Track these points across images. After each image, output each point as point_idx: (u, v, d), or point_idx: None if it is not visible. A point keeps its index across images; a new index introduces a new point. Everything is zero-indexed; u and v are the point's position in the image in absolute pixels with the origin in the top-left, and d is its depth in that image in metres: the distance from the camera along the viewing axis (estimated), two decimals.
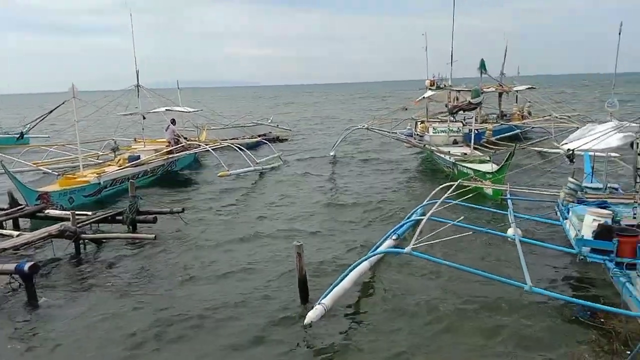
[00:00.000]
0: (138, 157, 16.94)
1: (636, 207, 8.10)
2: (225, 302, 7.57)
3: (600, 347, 5.96)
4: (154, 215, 11.06)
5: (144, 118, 18.98)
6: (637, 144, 8.17)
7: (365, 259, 7.72)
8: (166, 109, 20.17)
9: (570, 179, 8.81)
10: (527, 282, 5.86)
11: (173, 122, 19.56)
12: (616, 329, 6.22)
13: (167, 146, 18.51)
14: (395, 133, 21.34)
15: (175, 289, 8.20)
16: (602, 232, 6.95)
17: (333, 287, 6.97)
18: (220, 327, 6.92)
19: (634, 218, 7.93)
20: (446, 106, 20.23)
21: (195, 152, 19.54)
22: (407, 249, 6.89)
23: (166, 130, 19.45)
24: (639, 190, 8.33)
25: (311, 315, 6.30)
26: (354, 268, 7.39)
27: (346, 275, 7.23)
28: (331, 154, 21.47)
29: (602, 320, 6.47)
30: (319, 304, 6.55)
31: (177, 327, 6.89)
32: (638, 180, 8.33)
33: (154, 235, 9.92)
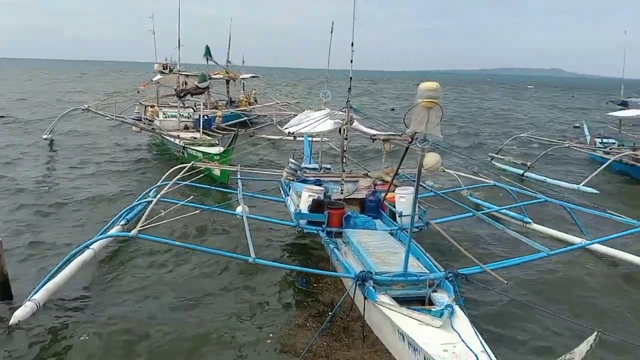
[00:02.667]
0: None
1: (342, 184, 9.36)
2: None
3: (311, 309, 6.73)
4: None
5: None
6: (344, 130, 9.41)
7: (86, 246, 7.05)
8: None
9: (291, 160, 9.65)
10: (251, 254, 6.17)
11: None
12: (323, 292, 7.14)
13: None
14: (123, 117, 20.15)
15: None
16: (316, 206, 7.83)
17: (47, 281, 6.21)
18: None
19: (341, 193, 9.17)
20: (175, 90, 19.99)
21: None
22: (134, 232, 6.59)
23: None
24: (345, 170, 9.63)
25: (18, 314, 5.53)
26: (72, 257, 6.69)
27: (63, 266, 6.51)
28: (45, 136, 19.09)
29: (314, 285, 7.34)
30: (29, 300, 5.80)
31: None
32: (344, 162, 9.61)
33: None
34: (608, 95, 26.46)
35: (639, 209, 12.65)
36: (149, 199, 8.54)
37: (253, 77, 28.77)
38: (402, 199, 8.05)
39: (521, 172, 15.25)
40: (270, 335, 6.01)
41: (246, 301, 6.89)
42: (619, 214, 7.94)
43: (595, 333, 3.27)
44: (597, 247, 7.46)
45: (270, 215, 9.97)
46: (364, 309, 5.88)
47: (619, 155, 15.33)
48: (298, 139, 12.87)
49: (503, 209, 9.76)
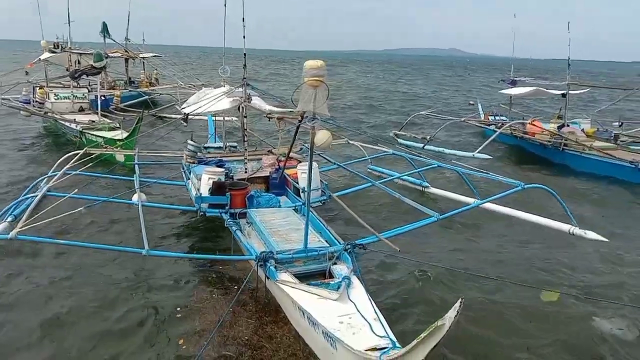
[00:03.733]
0: None
1: (246, 162, 9.26)
2: None
3: (218, 289, 6.66)
4: None
5: None
6: (243, 107, 9.26)
7: None
8: None
9: (190, 141, 9.36)
10: (144, 246, 5.91)
11: None
12: (229, 272, 7.08)
13: None
14: (8, 99, 18.47)
15: None
16: (217, 188, 7.68)
17: None
18: None
19: (245, 172, 9.08)
20: (67, 70, 18.65)
21: None
22: (12, 234, 5.86)
23: None
24: (247, 148, 9.51)
25: None
26: None
27: None
28: None
29: (219, 267, 7.22)
30: None
31: None
32: (245, 140, 9.49)
33: None
34: (501, 73, 28.27)
35: (524, 173, 13.85)
36: (36, 193, 7.79)
37: (154, 56, 27.53)
38: (305, 174, 8.09)
39: (421, 145, 15.96)
40: (172, 328, 5.84)
41: (145, 301, 6.42)
42: (504, 177, 8.55)
43: (460, 299, 3.54)
44: (488, 206, 7.97)
45: (174, 202, 9.68)
46: (266, 289, 5.93)
47: (508, 125, 16.42)
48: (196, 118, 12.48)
49: (403, 175, 10.22)
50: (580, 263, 7.77)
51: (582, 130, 16.07)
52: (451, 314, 3.55)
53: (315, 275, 5.90)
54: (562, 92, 16.59)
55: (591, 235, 7.04)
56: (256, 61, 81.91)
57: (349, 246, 6.11)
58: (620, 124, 18.54)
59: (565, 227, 7.24)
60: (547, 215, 7.65)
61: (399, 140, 17.28)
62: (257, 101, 9.55)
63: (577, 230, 7.10)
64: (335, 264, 5.98)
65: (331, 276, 5.81)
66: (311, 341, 5.25)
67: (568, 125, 16.00)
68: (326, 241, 6.55)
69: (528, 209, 7.98)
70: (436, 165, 9.61)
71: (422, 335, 3.71)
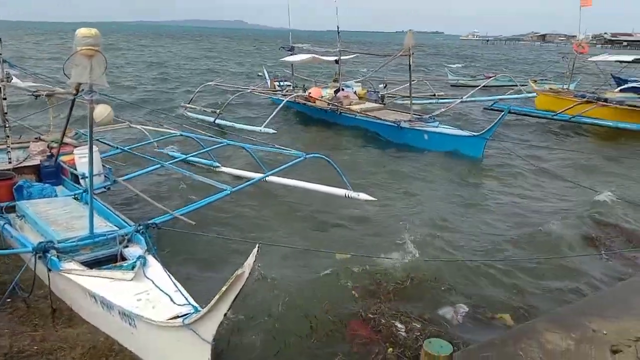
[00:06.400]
0: None
1: (9, 152, 8.13)
2: None
3: None
4: None
5: None
6: (2, 88, 8.05)
7: None
8: None
9: None
10: None
11: None
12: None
13: None
14: None
15: None
16: None
17: None
18: None
19: (10, 162, 7.98)
20: None
21: None
22: None
23: None
24: (10, 135, 8.34)
25: None
26: None
27: None
28: None
29: None
30: None
31: None
32: (7, 125, 8.30)
33: None
34: (282, 42, 29.46)
35: (310, 136, 14.86)
36: None
37: None
38: (83, 159, 7.44)
39: (212, 119, 15.91)
40: None
41: None
42: (288, 148, 9.06)
43: (257, 245, 3.69)
44: (273, 178, 8.37)
45: None
46: (49, 281, 5.38)
47: (293, 96, 17.32)
48: None
49: (191, 155, 9.97)
50: (359, 225, 8.36)
51: (355, 92, 17.80)
52: (250, 261, 3.64)
53: (107, 261, 5.56)
54: (335, 58, 18.05)
55: (363, 196, 7.92)
56: None
57: (141, 227, 5.87)
58: (384, 85, 21.02)
59: (342, 192, 8.03)
60: (329, 180, 8.35)
61: (189, 114, 16.96)
62: (18, 80, 8.39)
63: (352, 194, 7.95)
64: (127, 247, 5.71)
65: (124, 259, 5.55)
66: (108, 326, 4.96)
67: (343, 89, 17.55)
68: (115, 225, 6.19)
69: (315, 176, 8.62)
70: (225, 144, 9.68)
71: (223, 288, 3.73)
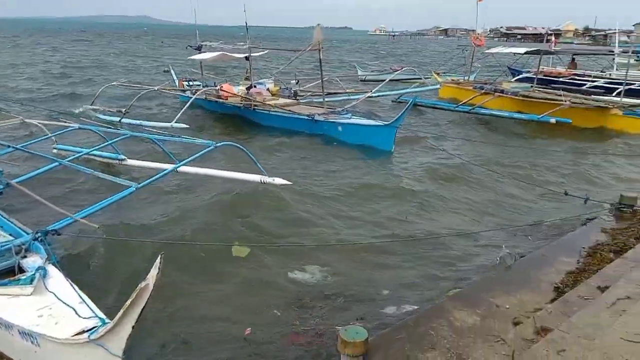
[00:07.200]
0: None
1: None
2: None
3: None
4: None
5: None
6: None
7: None
8: None
9: None
10: None
11: None
12: None
13: None
14: None
15: None
16: None
17: None
18: None
19: None
20: None
21: None
22: None
23: None
24: None
25: None
26: None
27: None
28: None
29: None
30: None
31: None
32: None
33: None
34: (190, 40, 28.73)
35: (223, 134, 14.66)
36: None
37: None
38: None
39: (118, 119, 15.18)
40: None
41: None
42: (196, 139, 8.78)
43: (160, 255, 3.58)
44: (185, 168, 8.08)
45: None
46: None
47: (202, 90, 16.94)
48: None
49: (93, 150, 9.18)
50: (266, 213, 8.41)
51: (268, 89, 17.73)
52: (153, 272, 3.55)
53: (4, 275, 5.13)
54: (245, 55, 17.87)
55: (278, 181, 7.88)
56: None
57: (40, 234, 5.46)
58: (297, 81, 21.13)
59: (257, 177, 7.91)
60: (244, 169, 8.24)
61: (93, 114, 16.10)
62: None
63: (267, 179, 7.83)
64: (25, 257, 5.29)
65: (22, 271, 5.14)
66: (9, 347, 4.58)
67: (255, 86, 17.42)
68: (10, 234, 5.72)
69: (229, 165, 8.44)
70: (129, 135, 8.97)
71: (128, 302, 3.61)
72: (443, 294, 5.69)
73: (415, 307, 5.49)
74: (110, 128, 9.79)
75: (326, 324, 5.24)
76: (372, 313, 5.50)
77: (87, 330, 4.04)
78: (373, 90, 18.17)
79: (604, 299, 4.57)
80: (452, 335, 4.26)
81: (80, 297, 4.56)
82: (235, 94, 16.64)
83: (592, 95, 17.99)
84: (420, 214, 8.69)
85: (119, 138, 8.92)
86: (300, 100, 17.06)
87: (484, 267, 6.55)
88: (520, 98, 18.03)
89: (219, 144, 7.97)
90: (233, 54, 18.41)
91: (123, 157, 9.89)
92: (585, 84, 22.03)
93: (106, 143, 9.07)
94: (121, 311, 3.66)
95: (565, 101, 16.40)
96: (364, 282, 6.19)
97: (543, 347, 3.82)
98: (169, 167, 8.12)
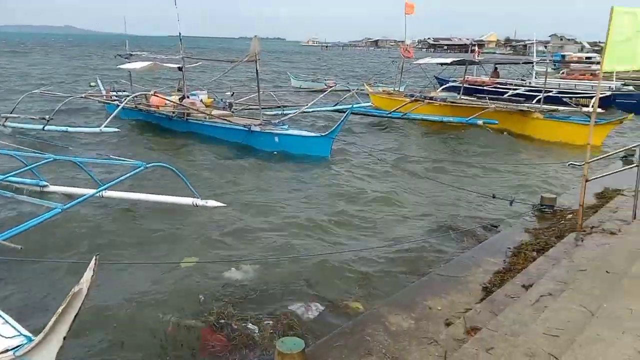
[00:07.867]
0: None
1: None
2: None
3: None
4: None
5: None
6: None
7: None
8: None
9: None
10: None
11: None
12: None
13: None
14: None
15: None
16: None
17: None
18: None
19: None
20: None
21: None
22: None
23: None
24: None
25: None
26: None
27: None
28: None
29: None
30: None
31: None
32: None
33: None
34: (117, 50, 27.73)
35: (153, 146, 14.25)
36: None
37: None
38: None
39: (41, 126, 14.51)
40: None
41: None
42: (126, 159, 8.44)
43: (95, 257, 3.34)
44: (110, 193, 7.73)
45: None
46: None
47: (130, 97, 16.28)
48: None
49: (9, 176, 8.22)
50: (204, 230, 8.10)
51: (201, 100, 17.40)
52: (87, 276, 3.31)
53: None
54: (179, 65, 17.47)
55: (212, 203, 7.73)
56: None
57: None
58: (232, 93, 20.95)
59: (189, 200, 7.73)
60: (176, 190, 8.00)
61: (11, 125, 15.29)
62: None
63: (200, 202, 7.67)
64: None
65: None
66: None
67: (188, 97, 17.06)
68: None
69: (158, 186, 8.13)
70: (52, 159, 8.24)
71: (59, 309, 3.32)
72: (381, 299, 5.78)
73: (355, 314, 5.54)
74: (30, 151, 9.07)
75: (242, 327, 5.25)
76: (308, 321, 5.50)
77: (12, 349, 3.80)
78: (308, 104, 18.27)
79: (527, 296, 4.82)
80: (388, 340, 4.35)
81: (3, 318, 4.29)
82: (166, 102, 16.13)
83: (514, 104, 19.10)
84: (345, 223, 8.71)
85: (41, 163, 8.23)
86: (235, 113, 16.88)
87: (416, 271, 6.74)
88: (449, 104, 18.87)
89: (149, 165, 7.69)
90: (165, 64, 17.95)
91: (45, 182, 9.09)
92: (507, 92, 23.33)
93: (26, 168, 8.27)
94: (52, 319, 3.36)
95: (491, 105, 17.46)
96: (297, 290, 6.17)
97: (473, 346, 3.97)
98: (92, 191, 7.71)
